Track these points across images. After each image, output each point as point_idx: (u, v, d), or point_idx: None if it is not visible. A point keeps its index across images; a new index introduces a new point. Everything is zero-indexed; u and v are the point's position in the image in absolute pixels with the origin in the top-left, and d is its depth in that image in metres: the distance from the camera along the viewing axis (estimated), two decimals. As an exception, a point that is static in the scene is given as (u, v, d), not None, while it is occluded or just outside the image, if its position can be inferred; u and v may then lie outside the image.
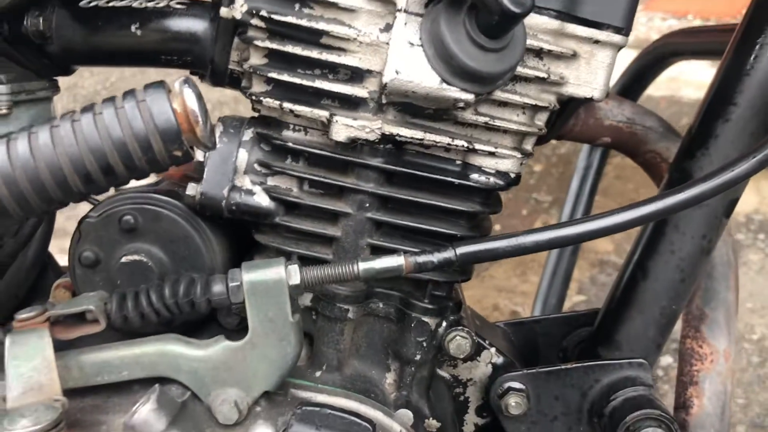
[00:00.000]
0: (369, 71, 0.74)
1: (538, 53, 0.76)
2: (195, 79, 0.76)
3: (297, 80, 0.75)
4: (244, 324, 0.74)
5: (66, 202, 0.66)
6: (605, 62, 0.77)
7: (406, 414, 0.84)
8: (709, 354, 1.08)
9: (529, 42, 0.74)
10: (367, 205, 0.79)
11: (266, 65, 0.77)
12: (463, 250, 0.75)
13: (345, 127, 0.74)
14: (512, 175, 0.80)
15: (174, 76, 0.71)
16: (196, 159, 0.78)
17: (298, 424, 0.72)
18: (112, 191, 0.74)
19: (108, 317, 0.73)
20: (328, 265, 0.74)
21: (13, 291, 0.96)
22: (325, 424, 0.72)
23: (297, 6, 0.74)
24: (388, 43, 0.72)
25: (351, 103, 0.76)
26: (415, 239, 0.81)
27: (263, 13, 0.73)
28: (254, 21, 0.74)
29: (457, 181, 0.79)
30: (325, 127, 0.76)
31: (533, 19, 0.74)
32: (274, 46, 0.75)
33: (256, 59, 0.77)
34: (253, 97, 0.78)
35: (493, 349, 0.94)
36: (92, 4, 0.84)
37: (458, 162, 0.79)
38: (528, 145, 0.81)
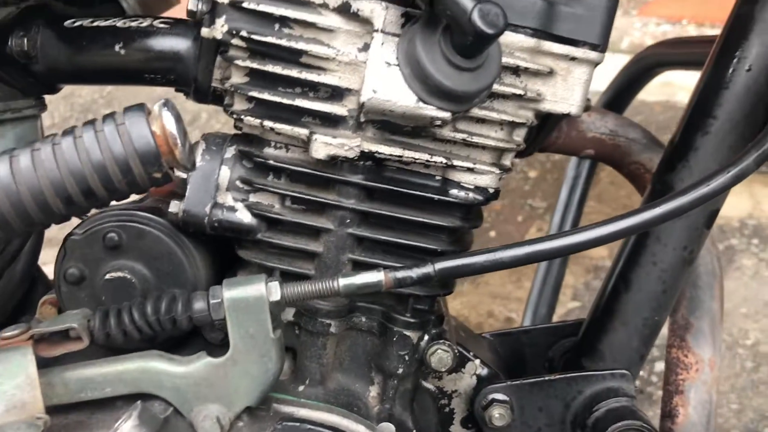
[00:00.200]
0: (348, 90, 0.76)
1: (515, 71, 0.77)
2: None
3: (277, 99, 0.76)
4: (228, 339, 0.75)
5: (48, 224, 0.67)
6: (582, 79, 0.78)
7: (389, 428, 0.85)
8: (695, 363, 1.08)
9: (506, 60, 0.75)
10: (348, 220, 0.80)
11: (247, 84, 0.78)
12: (441, 265, 0.75)
13: (324, 145, 0.75)
14: (491, 191, 0.81)
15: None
16: (179, 176, 0.80)
17: (279, 439, 0.72)
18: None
19: (91, 334, 0.73)
20: (309, 282, 0.75)
21: (1, 305, 0.97)
22: (305, 439, 0.73)
23: (277, 26, 0.75)
24: (366, 63, 0.73)
25: (331, 121, 0.77)
26: (396, 254, 0.82)
27: (243, 33, 0.75)
28: (235, 41, 0.75)
29: (436, 196, 0.80)
30: (306, 144, 0.77)
31: (510, 38, 0.75)
32: (255, 65, 0.76)
33: (237, 78, 0.78)
34: (235, 115, 0.79)
35: (477, 361, 0.95)
36: (77, 24, 0.85)
37: (438, 178, 0.80)
38: (507, 161, 0.82)
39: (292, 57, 0.75)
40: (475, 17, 0.64)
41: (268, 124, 0.77)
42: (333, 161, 0.77)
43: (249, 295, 0.72)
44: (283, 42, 0.74)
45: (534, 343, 1.09)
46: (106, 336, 0.74)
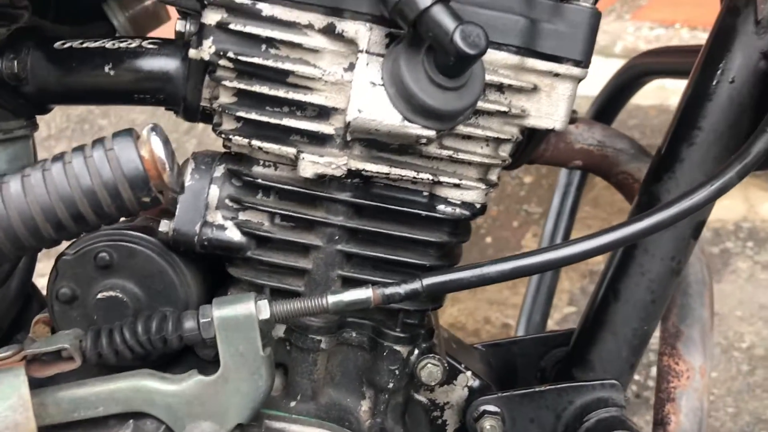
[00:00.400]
0: (335, 109, 0.76)
1: (500, 88, 0.78)
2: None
3: (265, 118, 0.77)
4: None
5: (39, 248, 0.68)
6: (566, 94, 0.79)
7: (380, 441, 0.86)
8: (686, 371, 1.09)
9: (490, 77, 0.76)
10: (337, 237, 0.81)
11: (235, 104, 0.79)
12: (429, 281, 0.76)
13: (312, 164, 0.76)
14: (478, 206, 0.82)
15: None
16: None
17: (270, 455, 0.73)
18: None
19: (83, 354, 0.74)
20: (298, 299, 0.75)
21: (-4, 324, 0.98)
22: (296, 455, 0.73)
23: (263, 47, 0.76)
24: (351, 82, 0.74)
25: (318, 140, 0.78)
26: (385, 269, 0.83)
27: (230, 54, 0.75)
28: (222, 62, 0.76)
29: (424, 212, 0.81)
30: (294, 163, 0.78)
31: (494, 55, 0.76)
32: (242, 85, 0.77)
33: (225, 98, 0.79)
34: (224, 135, 0.80)
35: (469, 373, 0.96)
36: (66, 45, 0.86)
37: (425, 194, 0.81)
38: (493, 176, 0.83)
39: (279, 77, 0.76)
40: (457, 38, 0.65)
41: (256, 143, 0.78)
42: (321, 179, 0.78)
43: (238, 313, 0.73)
44: (270, 63, 0.75)
45: (525, 353, 1.10)
46: (98, 356, 0.75)
